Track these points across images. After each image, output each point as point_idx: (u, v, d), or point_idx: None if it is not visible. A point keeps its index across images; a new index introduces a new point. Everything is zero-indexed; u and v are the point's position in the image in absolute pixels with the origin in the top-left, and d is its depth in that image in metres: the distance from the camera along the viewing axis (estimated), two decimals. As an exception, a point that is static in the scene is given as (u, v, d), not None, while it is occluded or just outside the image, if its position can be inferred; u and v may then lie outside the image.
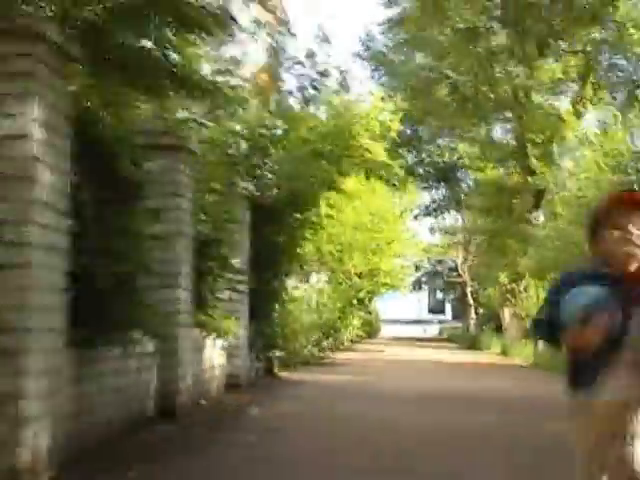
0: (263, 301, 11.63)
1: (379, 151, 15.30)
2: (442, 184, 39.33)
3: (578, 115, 20.02)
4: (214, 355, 9.69)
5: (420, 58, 28.30)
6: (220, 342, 9.84)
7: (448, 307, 63.57)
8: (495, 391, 11.82)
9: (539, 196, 22.85)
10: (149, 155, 7.17)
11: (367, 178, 12.85)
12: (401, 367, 17.64)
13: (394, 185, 16.81)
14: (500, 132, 27.79)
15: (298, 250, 12.87)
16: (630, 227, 2.72)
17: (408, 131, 31.03)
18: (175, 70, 5.92)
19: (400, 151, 27.28)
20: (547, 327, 2.81)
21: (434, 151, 37.06)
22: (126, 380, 6.71)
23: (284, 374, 13.30)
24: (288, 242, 12.05)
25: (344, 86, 12.77)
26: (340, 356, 19.91)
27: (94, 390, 6.03)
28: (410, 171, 31.03)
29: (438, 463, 5.93)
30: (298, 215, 11.87)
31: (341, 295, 20.40)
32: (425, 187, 38.92)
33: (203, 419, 7.87)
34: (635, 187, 12.79)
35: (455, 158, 35.06)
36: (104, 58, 5.54)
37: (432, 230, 37.60)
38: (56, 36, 4.75)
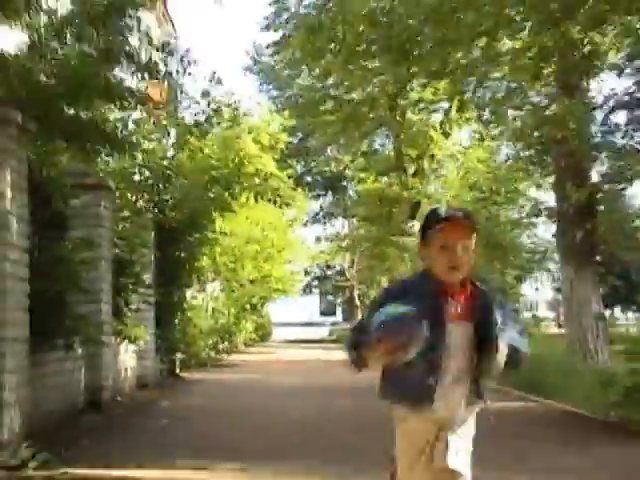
0: (166, 310, 13.34)
1: (268, 162, 17.17)
2: (329, 193, 41.79)
3: (446, 134, 22.39)
4: (127, 358, 11.35)
5: (305, 77, 30.25)
6: (132, 347, 11.50)
7: (339, 309, 66.02)
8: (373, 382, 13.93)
9: (415, 207, 25.31)
10: (76, 193, 8.83)
11: (256, 200, 14.71)
12: (291, 366, 19.58)
13: (280, 205, 18.64)
14: (381, 146, 30.21)
15: (196, 264, 14.64)
16: (457, 246, 2.82)
17: (296, 142, 33.11)
18: (103, 131, 7.61)
19: (289, 161, 29.31)
20: (354, 340, 2.90)
21: (321, 161, 39.38)
22: (63, 379, 8.36)
23: (185, 374, 14.99)
24: (188, 258, 13.82)
25: (235, 119, 14.54)
26: (235, 358, 21.69)
27: (39, 387, 7.64)
28: (298, 181, 33.07)
29: (319, 438, 7.88)
30: (196, 234, 13.67)
31: (234, 302, 22.20)
32: (313, 196, 41.22)
33: (123, 410, 9.56)
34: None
35: (341, 168, 37.43)
36: (48, 126, 7.18)
37: (318, 239, 39.81)
38: (20, 118, 6.41)
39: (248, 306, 26.56)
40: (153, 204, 12.16)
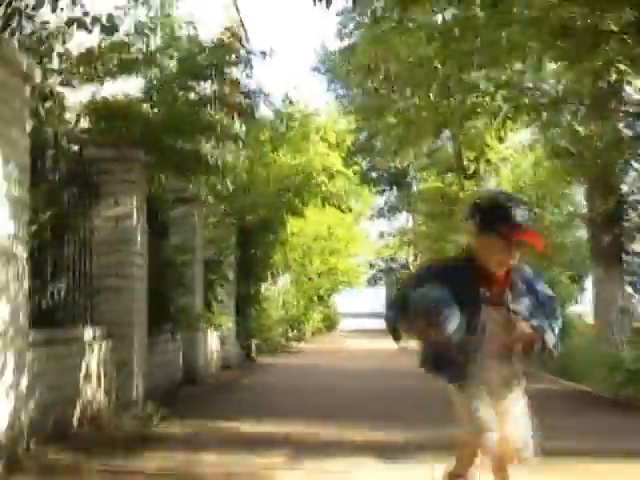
0: (245, 302, 15.42)
1: (335, 160, 19.00)
2: (394, 188, 43.52)
3: (500, 138, 23.84)
4: (213, 343, 13.45)
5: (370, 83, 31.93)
6: (216, 333, 13.59)
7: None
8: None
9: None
10: (175, 206, 10.91)
11: (323, 206, 16.67)
12: (355, 354, 21.53)
13: (344, 210, 20.55)
14: (443, 147, 31.69)
15: (270, 261, 16.69)
16: (517, 252, 3.11)
17: (362, 139, 34.87)
18: (203, 160, 9.62)
19: (355, 159, 31.15)
20: (396, 315, 3.22)
21: (386, 157, 41.10)
22: (167, 358, 10.47)
23: (259, 359, 17.08)
24: (263, 256, 15.89)
25: (305, 121, 16.37)
26: (303, 346, 23.78)
27: (150, 363, 9.69)
28: (364, 176, 34.89)
29: (380, 407, 9.79)
30: (271, 235, 15.72)
31: (303, 294, 24.26)
32: (378, 191, 43.01)
33: (213, 385, 11.66)
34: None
35: (405, 165, 39.05)
36: (160, 158, 9.23)
37: (381, 235, 41.61)
38: (142, 156, 8.47)
39: (315, 298, 28.60)
40: (234, 210, 14.19)
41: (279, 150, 15.14)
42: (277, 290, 20.80)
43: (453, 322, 3.00)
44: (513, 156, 21.20)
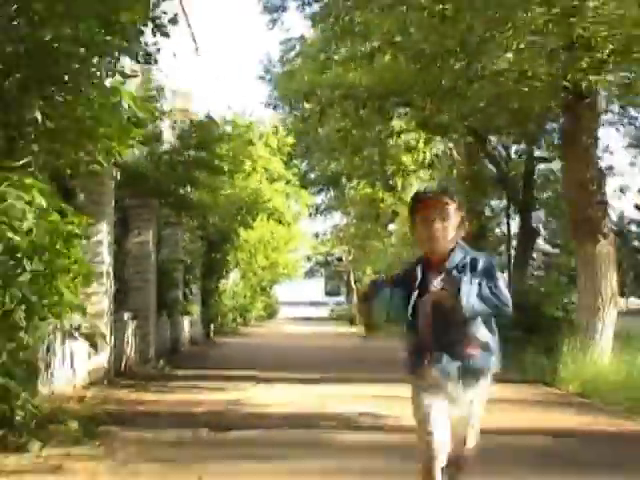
0: (207, 294, 20.55)
1: (277, 164, 23.96)
2: (330, 189, 48.84)
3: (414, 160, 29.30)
4: (186, 325, 18.56)
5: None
6: (188, 318, 18.68)
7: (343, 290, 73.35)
8: (349, 342, 21.30)
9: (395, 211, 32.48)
10: (163, 227, 15.96)
11: (268, 220, 21.91)
12: (292, 336, 26.88)
13: (284, 224, 25.77)
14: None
15: (226, 262, 21.85)
16: (434, 221, 3.36)
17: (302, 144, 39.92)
18: (190, 200, 14.71)
19: (295, 162, 36.32)
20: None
21: (322, 161, 46.30)
22: (162, 333, 15.57)
23: (217, 339, 22.21)
24: (221, 259, 21.04)
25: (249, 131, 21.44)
26: (249, 330, 29.05)
27: (161, 335, 14.71)
28: (303, 178, 40.07)
29: (306, 363, 15.06)
30: (227, 244, 20.91)
31: (250, 287, 29.48)
32: (316, 191, 48.28)
33: (191, 353, 16.79)
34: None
35: (340, 169, 44.33)
36: (166, 202, 14.28)
37: (316, 235, 46.93)
38: (155, 203, 13.54)
39: (258, 289, 33.83)
40: (202, 227, 19.30)
41: (234, 178, 20.23)
42: (229, 284, 25.96)
43: (380, 303, 3.27)
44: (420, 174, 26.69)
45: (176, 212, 14.97)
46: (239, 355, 17.50)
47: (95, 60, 6.46)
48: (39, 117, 6.20)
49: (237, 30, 78.23)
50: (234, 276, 27.47)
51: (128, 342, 12.33)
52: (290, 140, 25.07)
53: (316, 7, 14.08)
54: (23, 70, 6.06)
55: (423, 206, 3.39)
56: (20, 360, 6.28)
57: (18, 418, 6.01)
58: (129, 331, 12.45)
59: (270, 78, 48.65)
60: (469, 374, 3.33)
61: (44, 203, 5.93)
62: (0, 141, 6.36)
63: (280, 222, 23.24)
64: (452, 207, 3.40)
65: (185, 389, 10.27)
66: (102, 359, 10.36)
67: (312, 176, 48.23)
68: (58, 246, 6.05)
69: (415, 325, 3.35)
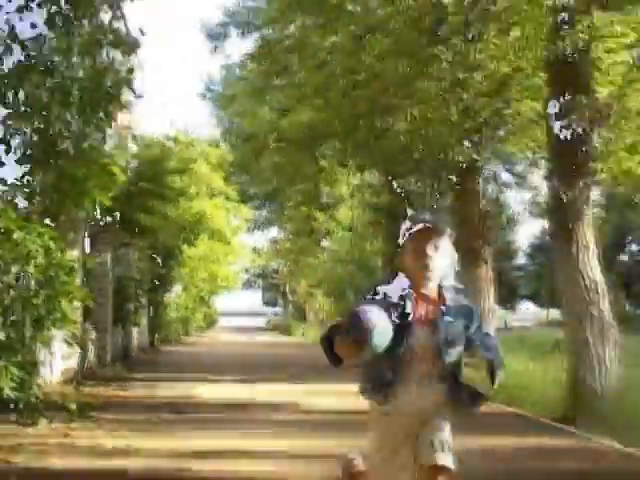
0: (153, 306, 22.78)
1: (217, 179, 26.29)
2: (267, 204, 51.31)
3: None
4: (135, 335, 20.77)
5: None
6: (136, 328, 20.89)
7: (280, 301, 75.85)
8: (283, 350, 23.75)
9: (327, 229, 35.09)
10: (119, 248, 18.19)
11: (209, 239, 24.26)
12: (230, 343, 29.20)
13: (224, 243, 28.14)
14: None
15: (171, 276, 24.10)
16: (428, 249, 3.22)
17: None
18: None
19: (234, 178, 38.68)
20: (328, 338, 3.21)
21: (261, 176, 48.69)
22: (116, 341, 17.78)
23: (162, 347, 24.41)
24: (166, 274, 23.28)
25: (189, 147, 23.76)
26: (191, 339, 31.29)
27: (115, 343, 16.91)
28: (243, 193, 42.44)
29: (242, 366, 17.46)
30: (172, 261, 23.17)
31: (191, 298, 31.72)
32: (255, 206, 50.68)
33: (141, 360, 19.01)
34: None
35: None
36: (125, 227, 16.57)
37: (254, 250, 49.29)
38: (115, 228, 15.81)
39: (199, 300, 36.05)
40: (151, 245, 21.55)
41: (180, 200, 22.55)
42: (173, 297, 28.19)
43: (378, 333, 3.01)
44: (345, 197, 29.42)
45: (130, 235, 17.24)
46: (184, 360, 19.79)
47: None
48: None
49: (180, 49, 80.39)
50: (177, 289, 29.67)
51: (90, 349, 14.55)
52: (229, 157, 27.18)
53: (255, 42, 16.42)
54: (38, 149, 8.48)
55: (419, 233, 3.27)
56: (27, 360, 8.59)
57: (31, 401, 8.31)
58: (91, 339, 14.68)
59: (211, 97, 51.08)
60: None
61: (53, 245, 8.28)
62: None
63: (220, 241, 25.60)
64: (448, 238, 3.30)
65: (143, 387, 12.61)
66: (72, 362, 12.60)
67: (251, 191, 50.88)
68: (62, 277, 8.39)
69: (397, 356, 3.19)
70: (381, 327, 3.03)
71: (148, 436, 7.64)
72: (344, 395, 8.93)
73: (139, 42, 9.50)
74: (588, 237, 9.89)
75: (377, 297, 3.24)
